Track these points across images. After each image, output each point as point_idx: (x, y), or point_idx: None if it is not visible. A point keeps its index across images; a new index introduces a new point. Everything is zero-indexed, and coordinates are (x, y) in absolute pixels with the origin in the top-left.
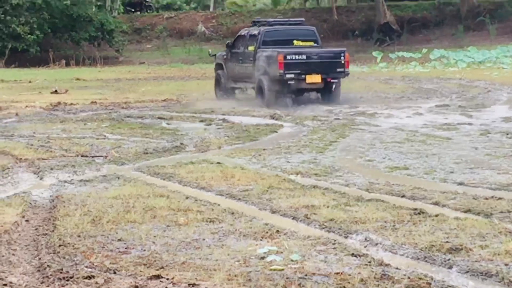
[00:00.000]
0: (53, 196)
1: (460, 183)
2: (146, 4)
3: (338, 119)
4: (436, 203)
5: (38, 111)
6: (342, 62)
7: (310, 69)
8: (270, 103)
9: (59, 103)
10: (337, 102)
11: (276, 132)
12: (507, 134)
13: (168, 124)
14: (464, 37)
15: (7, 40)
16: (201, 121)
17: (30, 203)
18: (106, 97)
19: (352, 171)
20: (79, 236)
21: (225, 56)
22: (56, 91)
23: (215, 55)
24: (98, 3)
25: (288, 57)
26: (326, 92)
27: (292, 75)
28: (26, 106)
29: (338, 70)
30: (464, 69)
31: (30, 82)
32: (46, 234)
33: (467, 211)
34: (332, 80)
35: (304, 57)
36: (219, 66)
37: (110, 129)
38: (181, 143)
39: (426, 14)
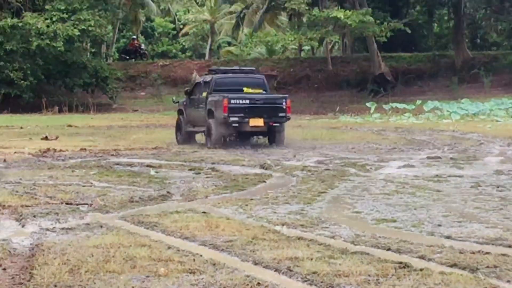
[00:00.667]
0: (33, 244)
1: (448, 237)
2: (141, 51)
3: (328, 169)
4: (422, 257)
5: (26, 157)
6: (284, 107)
7: (253, 113)
8: (217, 143)
9: (48, 149)
10: (281, 145)
11: (265, 182)
12: (498, 187)
13: (156, 172)
14: (458, 89)
15: (0, 85)
16: (190, 169)
17: (9, 251)
18: (96, 144)
19: (338, 222)
20: (55, 286)
21: (184, 102)
22: (46, 137)
23: (178, 101)
24: (93, 50)
25: (232, 101)
26: (271, 136)
27: (236, 118)
28: (15, 152)
29: (280, 115)
30: (458, 121)
31: (21, 128)
32: (22, 283)
33: (453, 265)
34: (274, 124)
35: (247, 101)
36: (180, 112)
37: (98, 177)
38: (168, 192)
39: (421, 66)
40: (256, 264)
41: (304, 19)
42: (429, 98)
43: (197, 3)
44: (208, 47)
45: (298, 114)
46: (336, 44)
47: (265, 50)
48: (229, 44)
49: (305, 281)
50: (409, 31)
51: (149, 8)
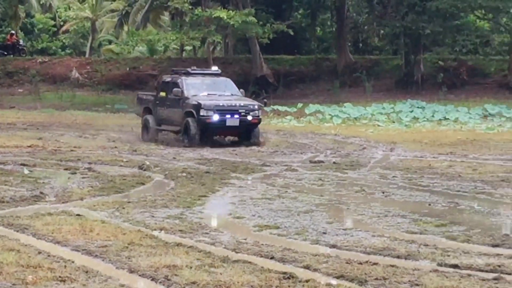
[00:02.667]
0: None
1: (333, 246)
2: (20, 47)
3: (209, 172)
4: (307, 267)
5: None
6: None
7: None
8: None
9: None
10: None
11: (144, 184)
12: (383, 193)
13: (30, 171)
14: (340, 93)
15: None
16: (66, 169)
17: None
18: None
19: (219, 228)
20: None
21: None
22: None
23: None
24: None
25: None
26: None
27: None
28: None
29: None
30: (339, 125)
31: None
32: None
33: (340, 276)
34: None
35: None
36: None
37: None
38: (41, 192)
39: (303, 69)
40: (131, 272)
41: (187, 19)
42: (311, 101)
43: (79, 0)
44: (88, 45)
45: None
46: (219, 44)
47: (146, 49)
48: (110, 42)
49: None
50: (292, 34)
51: (30, 4)
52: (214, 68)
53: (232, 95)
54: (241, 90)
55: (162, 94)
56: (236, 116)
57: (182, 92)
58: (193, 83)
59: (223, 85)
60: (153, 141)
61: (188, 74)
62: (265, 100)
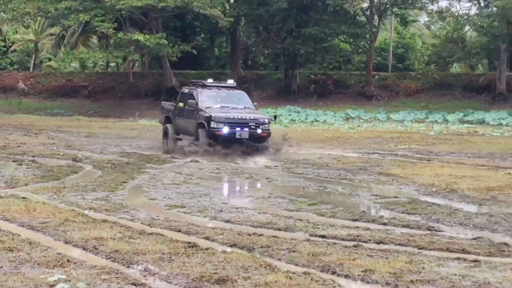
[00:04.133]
0: None
1: (228, 221)
2: None
3: (129, 163)
4: (207, 238)
5: None
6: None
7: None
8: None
9: None
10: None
11: (77, 172)
12: (267, 178)
13: None
14: None
15: None
16: (14, 161)
17: None
18: None
19: (137, 207)
20: None
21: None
22: None
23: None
24: None
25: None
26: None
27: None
28: None
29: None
30: None
31: None
32: None
33: (233, 245)
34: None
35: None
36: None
37: None
38: None
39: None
40: (66, 243)
41: (111, 41)
42: None
43: (24, 26)
44: (32, 61)
45: (105, 117)
46: (137, 61)
47: (78, 65)
48: (50, 59)
49: (109, 258)
50: (195, 53)
51: None
52: (230, 82)
53: (245, 108)
54: (255, 103)
55: (180, 104)
56: (246, 129)
57: (197, 103)
58: (208, 95)
59: (238, 98)
60: (172, 149)
61: (204, 86)
62: (275, 114)
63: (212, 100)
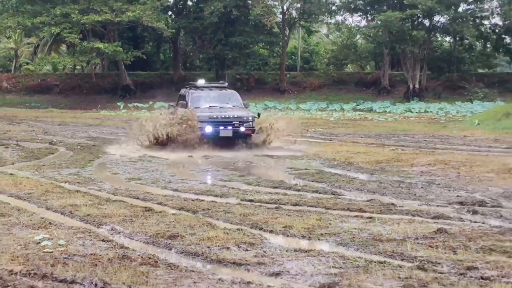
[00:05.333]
0: None
1: (175, 190)
2: None
3: (95, 145)
4: (160, 203)
5: None
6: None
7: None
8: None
9: None
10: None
11: (53, 153)
12: (205, 156)
13: None
14: (175, 94)
15: None
16: (1, 145)
17: None
18: None
19: (103, 180)
20: None
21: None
22: None
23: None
24: None
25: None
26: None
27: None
28: None
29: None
30: None
31: None
32: None
33: (181, 208)
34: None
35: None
36: None
37: None
38: None
39: (152, 79)
40: (48, 209)
41: (77, 48)
42: (158, 100)
43: (6, 37)
44: (13, 65)
45: (74, 109)
46: (98, 64)
47: (51, 68)
48: (27, 63)
49: (82, 220)
50: (145, 58)
51: None
52: (221, 82)
53: (233, 107)
54: (245, 102)
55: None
56: (230, 127)
57: (187, 104)
58: (198, 96)
59: (228, 98)
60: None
61: (196, 88)
62: (259, 112)
63: (201, 100)
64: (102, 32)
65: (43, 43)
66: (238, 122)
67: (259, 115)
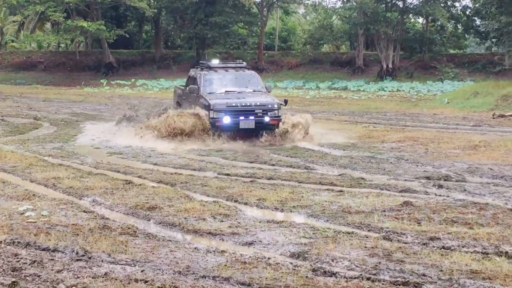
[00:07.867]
0: None
1: (155, 164)
2: None
3: (78, 121)
4: (140, 176)
5: None
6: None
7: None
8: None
9: None
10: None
11: (37, 128)
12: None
13: None
14: (157, 72)
15: None
16: None
17: None
18: None
19: (85, 154)
20: None
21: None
22: None
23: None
24: None
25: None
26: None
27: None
28: None
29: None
30: (156, 92)
31: None
32: None
33: (160, 182)
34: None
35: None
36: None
37: None
38: None
39: (134, 58)
40: (32, 182)
41: (62, 27)
42: (140, 78)
43: None
44: None
45: (58, 86)
46: (82, 42)
47: (36, 45)
48: (13, 41)
49: (65, 192)
50: (127, 36)
51: None
52: (239, 61)
53: (254, 91)
54: (267, 85)
55: (187, 89)
56: (252, 117)
57: (199, 88)
58: (211, 79)
59: (247, 80)
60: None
61: (209, 68)
62: (285, 99)
63: (216, 84)
64: (86, 11)
65: (28, 21)
66: (261, 111)
67: (286, 102)
